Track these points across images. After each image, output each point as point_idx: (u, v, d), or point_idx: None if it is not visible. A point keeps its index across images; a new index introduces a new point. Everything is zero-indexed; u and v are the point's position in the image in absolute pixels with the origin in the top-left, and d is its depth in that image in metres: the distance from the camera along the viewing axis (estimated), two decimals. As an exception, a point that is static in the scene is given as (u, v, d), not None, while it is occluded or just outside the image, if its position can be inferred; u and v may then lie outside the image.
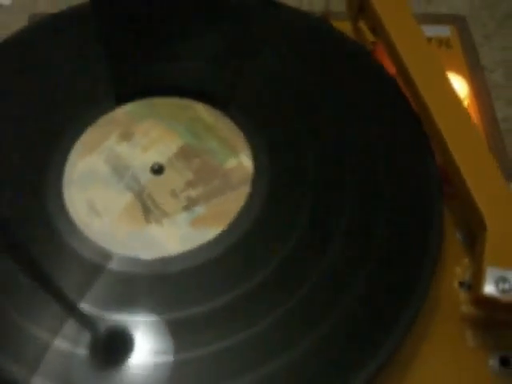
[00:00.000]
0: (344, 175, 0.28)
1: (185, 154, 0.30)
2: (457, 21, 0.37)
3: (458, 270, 0.28)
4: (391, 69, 0.31)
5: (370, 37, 0.34)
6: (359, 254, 0.26)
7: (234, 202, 0.28)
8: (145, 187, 0.29)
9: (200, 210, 0.28)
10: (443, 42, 0.36)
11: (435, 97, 0.29)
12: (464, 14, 0.39)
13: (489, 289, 0.24)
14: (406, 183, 0.28)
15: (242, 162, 0.29)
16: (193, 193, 0.29)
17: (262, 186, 0.28)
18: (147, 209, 0.28)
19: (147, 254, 0.26)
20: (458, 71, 0.34)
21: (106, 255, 0.26)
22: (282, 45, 0.33)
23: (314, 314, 0.24)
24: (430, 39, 0.36)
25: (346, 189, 0.28)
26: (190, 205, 0.28)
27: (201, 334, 0.24)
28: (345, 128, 0.30)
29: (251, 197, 0.28)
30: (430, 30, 0.36)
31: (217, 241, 0.27)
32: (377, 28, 0.33)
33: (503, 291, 0.24)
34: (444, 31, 0.36)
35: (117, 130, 0.31)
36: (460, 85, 0.33)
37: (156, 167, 0.30)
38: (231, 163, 0.30)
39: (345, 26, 0.35)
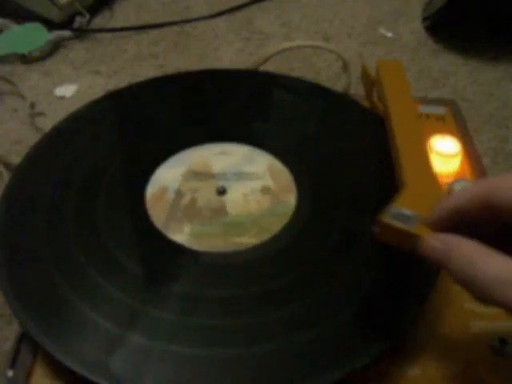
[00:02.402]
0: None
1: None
2: (450, 103, 0.46)
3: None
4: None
5: (380, 106, 0.42)
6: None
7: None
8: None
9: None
10: (440, 118, 0.45)
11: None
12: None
13: (387, 218, 0.30)
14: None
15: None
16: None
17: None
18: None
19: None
20: (452, 135, 0.42)
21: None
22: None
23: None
24: (428, 115, 0.45)
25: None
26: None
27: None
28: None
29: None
30: (430, 109, 0.45)
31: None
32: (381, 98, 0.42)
33: (397, 220, 0.29)
34: (440, 110, 0.45)
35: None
36: (454, 144, 0.41)
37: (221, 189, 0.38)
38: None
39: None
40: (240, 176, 0.38)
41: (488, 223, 0.27)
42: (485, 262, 0.25)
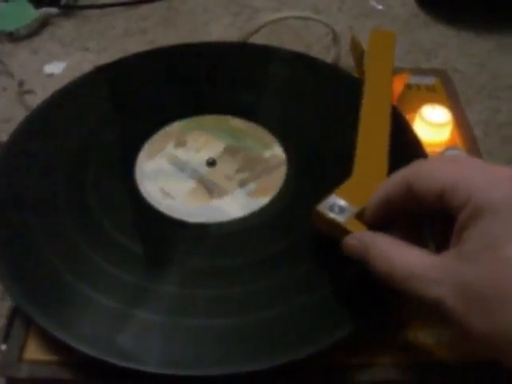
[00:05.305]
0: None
1: (229, 151, 0.38)
2: (440, 73, 0.46)
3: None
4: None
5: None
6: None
7: (276, 178, 0.36)
8: (204, 175, 0.36)
9: (252, 185, 0.36)
10: (430, 88, 0.44)
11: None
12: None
13: (322, 207, 0.30)
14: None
15: (275, 152, 0.38)
16: (242, 175, 0.36)
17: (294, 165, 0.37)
18: (209, 189, 0.36)
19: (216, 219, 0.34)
20: (443, 104, 0.42)
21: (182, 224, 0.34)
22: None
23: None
24: (419, 86, 0.45)
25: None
26: (243, 183, 0.36)
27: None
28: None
29: (288, 173, 0.36)
30: (421, 79, 0.45)
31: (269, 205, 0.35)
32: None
33: (331, 210, 0.30)
34: (431, 80, 0.45)
35: (172, 140, 0.39)
36: (444, 113, 0.41)
37: (211, 160, 0.37)
38: (267, 154, 0.38)
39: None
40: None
41: (421, 209, 0.27)
42: (400, 257, 0.25)
